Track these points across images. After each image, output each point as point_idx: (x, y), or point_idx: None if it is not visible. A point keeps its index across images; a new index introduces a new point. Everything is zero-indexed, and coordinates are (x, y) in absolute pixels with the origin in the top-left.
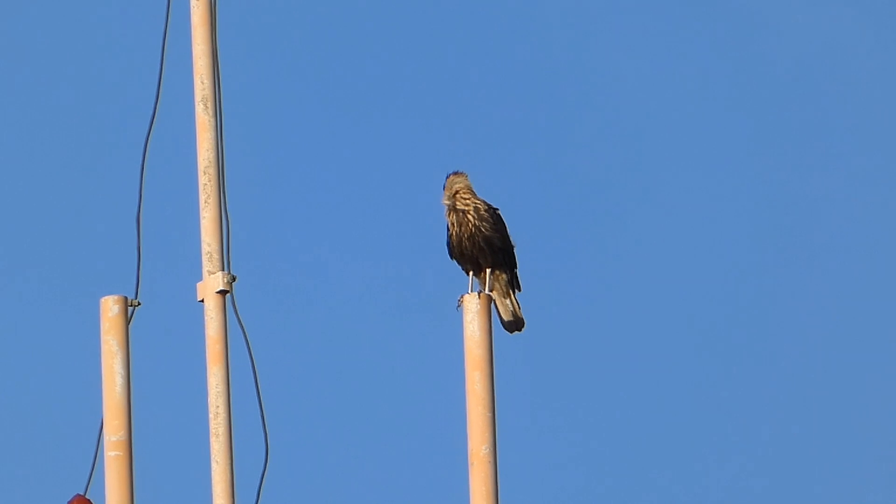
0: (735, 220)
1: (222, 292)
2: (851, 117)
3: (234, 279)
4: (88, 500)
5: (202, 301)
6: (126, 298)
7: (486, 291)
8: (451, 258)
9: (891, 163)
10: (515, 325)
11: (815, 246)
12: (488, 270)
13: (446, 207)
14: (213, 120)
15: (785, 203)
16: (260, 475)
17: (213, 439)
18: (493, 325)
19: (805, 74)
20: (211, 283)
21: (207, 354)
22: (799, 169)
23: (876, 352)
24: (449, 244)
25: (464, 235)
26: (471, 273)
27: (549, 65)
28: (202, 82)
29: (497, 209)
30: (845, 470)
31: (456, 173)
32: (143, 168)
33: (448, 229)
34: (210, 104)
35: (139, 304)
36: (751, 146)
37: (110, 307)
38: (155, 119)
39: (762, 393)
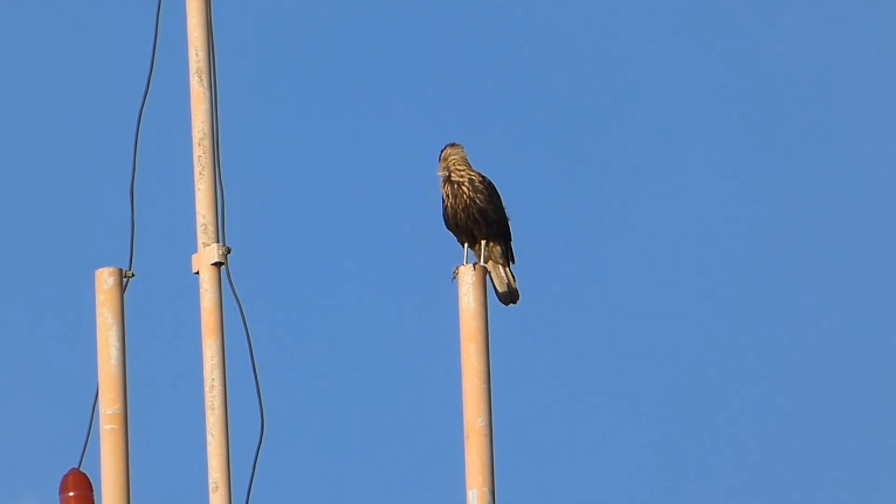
0: (732, 197)
1: (217, 264)
2: (847, 117)
3: (229, 251)
4: (84, 473)
5: (197, 273)
6: (121, 270)
7: (482, 263)
8: (448, 229)
9: (886, 162)
10: (510, 297)
11: (806, 242)
12: (483, 242)
13: (441, 179)
14: (207, 92)
15: (784, 191)
16: (255, 448)
17: (208, 412)
18: (488, 297)
19: (802, 74)
20: (206, 254)
21: (202, 327)
22: (793, 166)
23: (872, 347)
24: (444, 216)
25: (458, 207)
26: (466, 245)
27: (552, 42)
28: (197, 54)
29: (492, 181)
30: (842, 473)
31: (452, 145)
32: (137, 140)
33: (443, 201)
34: (205, 76)
35: (134, 275)
36: (750, 131)
37: (105, 279)
38: (149, 91)
39: (756, 377)
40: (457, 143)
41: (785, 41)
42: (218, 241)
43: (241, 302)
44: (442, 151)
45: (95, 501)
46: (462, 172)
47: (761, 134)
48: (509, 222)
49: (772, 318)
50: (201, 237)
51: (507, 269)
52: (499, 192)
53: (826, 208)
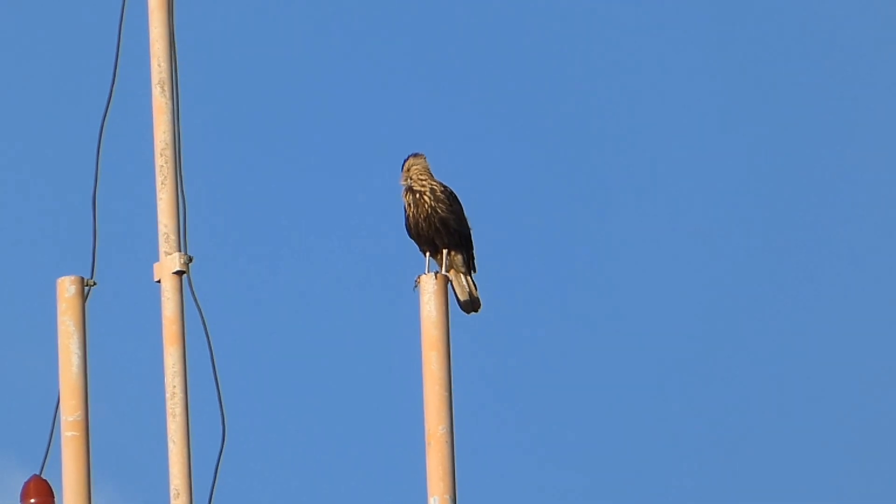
0: (706, 208)
1: (179, 273)
2: (850, 115)
3: (190, 260)
4: (45, 480)
5: (159, 281)
6: (82, 279)
7: (443, 272)
8: (410, 238)
9: (888, 161)
10: (472, 305)
11: (795, 244)
12: (445, 251)
13: (403, 188)
14: (169, 103)
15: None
16: (217, 455)
17: (169, 419)
18: (449, 305)
19: (803, 71)
20: (168, 263)
21: (164, 335)
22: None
23: (876, 351)
24: (406, 225)
25: (420, 216)
26: (427, 254)
27: (522, 49)
28: (159, 65)
29: (453, 191)
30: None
31: (414, 155)
32: (99, 149)
33: (405, 210)
34: (167, 87)
35: (95, 284)
36: (735, 135)
37: (67, 287)
38: (112, 101)
39: (737, 381)
40: (419, 152)
41: (784, 41)
42: (179, 250)
43: (202, 310)
44: (404, 161)
45: None
46: (424, 182)
47: (745, 140)
48: (471, 232)
49: (746, 328)
50: (163, 246)
51: (469, 277)
52: (460, 201)
53: (808, 209)
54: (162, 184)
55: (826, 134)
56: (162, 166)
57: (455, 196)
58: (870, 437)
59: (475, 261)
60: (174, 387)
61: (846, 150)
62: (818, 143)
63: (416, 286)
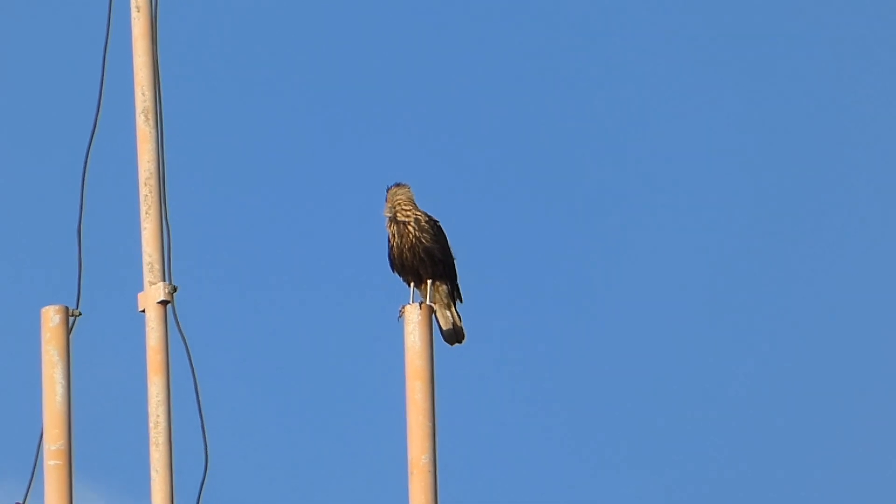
0: (694, 233)
1: (163, 303)
2: (851, 116)
3: (175, 290)
4: None
5: (143, 311)
6: (67, 308)
7: (428, 302)
8: (393, 270)
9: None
10: (456, 336)
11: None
12: (429, 281)
13: (387, 219)
14: (153, 131)
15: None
16: (199, 484)
17: (152, 448)
18: (433, 335)
19: (805, 74)
20: (152, 293)
21: (148, 364)
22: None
23: (875, 347)
24: (390, 256)
25: (404, 247)
26: (412, 284)
27: (506, 71)
28: (143, 94)
29: (437, 221)
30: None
31: (398, 185)
32: (84, 178)
33: (389, 241)
34: (151, 115)
35: (80, 314)
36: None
37: (51, 317)
38: (96, 130)
39: (704, 417)
40: (403, 182)
41: (787, 42)
42: (164, 280)
43: (186, 340)
44: (388, 191)
45: None
46: (408, 212)
47: (745, 141)
48: (455, 262)
49: (750, 337)
50: (147, 276)
51: (453, 308)
52: (445, 231)
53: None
54: (146, 213)
55: (827, 135)
56: (146, 196)
57: (440, 226)
58: (870, 437)
59: (461, 291)
60: (158, 416)
61: (847, 151)
62: (819, 144)
63: (400, 316)
